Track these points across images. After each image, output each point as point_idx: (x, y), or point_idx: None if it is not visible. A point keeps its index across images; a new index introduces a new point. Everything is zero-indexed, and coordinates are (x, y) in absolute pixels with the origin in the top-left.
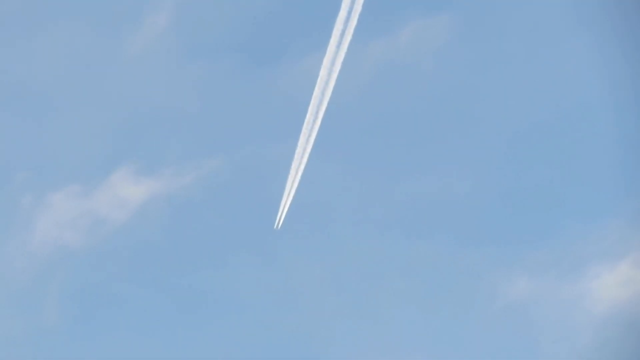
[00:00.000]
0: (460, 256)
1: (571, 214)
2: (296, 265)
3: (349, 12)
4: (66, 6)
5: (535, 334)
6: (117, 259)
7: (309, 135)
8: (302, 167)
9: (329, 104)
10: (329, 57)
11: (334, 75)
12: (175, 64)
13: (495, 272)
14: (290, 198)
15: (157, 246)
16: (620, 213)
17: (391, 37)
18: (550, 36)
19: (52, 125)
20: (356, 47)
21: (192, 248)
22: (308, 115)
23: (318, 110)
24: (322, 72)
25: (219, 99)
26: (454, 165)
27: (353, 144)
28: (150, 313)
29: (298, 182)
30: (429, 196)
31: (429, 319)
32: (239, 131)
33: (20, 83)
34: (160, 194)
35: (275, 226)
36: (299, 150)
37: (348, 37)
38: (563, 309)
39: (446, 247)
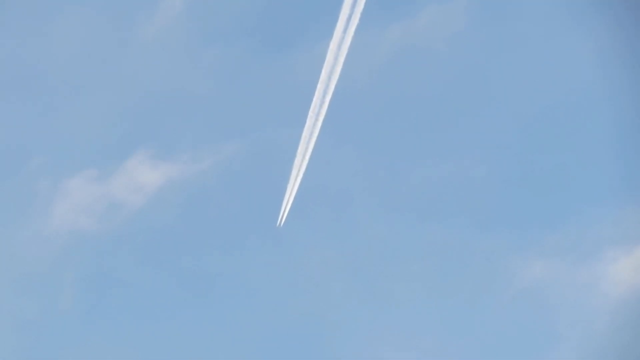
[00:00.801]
0: (475, 241)
1: (587, 197)
2: (308, 249)
3: None
4: None
5: (552, 317)
6: (132, 243)
7: (316, 120)
8: (309, 152)
9: (342, 88)
10: (336, 41)
11: (341, 60)
12: (190, 48)
13: (511, 256)
14: (297, 184)
15: (172, 231)
16: (638, 196)
17: (408, 21)
18: (565, 20)
19: (68, 111)
20: (373, 31)
21: (207, 232)
22: (315, 100)
23: (325, 94)
24: (329, 57)
25: (233, 83)
26: (469, 149)
27: (366, 128)
28: (164, 297)
29: (305, 167)
30: (443, 180)
31: (443, 303)
32: (254, 115)
33: (34, 68)
34: (176, 178)
35: (279, 219)
36: (305, 134)
37: (355, 21)
38: (580, 293)
39: (461, 232)
